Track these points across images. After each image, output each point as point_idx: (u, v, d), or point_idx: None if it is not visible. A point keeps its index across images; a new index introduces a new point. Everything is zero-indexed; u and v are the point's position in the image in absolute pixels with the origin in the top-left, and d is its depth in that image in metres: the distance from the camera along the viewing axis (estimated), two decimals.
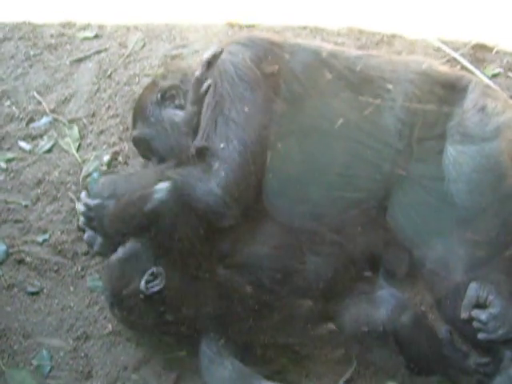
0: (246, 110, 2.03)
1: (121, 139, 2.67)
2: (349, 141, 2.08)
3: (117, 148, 2.64)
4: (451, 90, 2.15)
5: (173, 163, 2.15)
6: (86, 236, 2.29)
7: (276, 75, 2.09)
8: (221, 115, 2.04)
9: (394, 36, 3.11)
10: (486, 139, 2.04)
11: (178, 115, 2.23)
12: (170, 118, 2.25)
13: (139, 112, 2.35)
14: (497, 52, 3.07)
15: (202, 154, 2.06)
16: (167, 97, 2.28)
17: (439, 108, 2.10)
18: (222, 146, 2.00)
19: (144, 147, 2.36)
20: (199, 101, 2.14)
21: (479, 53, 3.03)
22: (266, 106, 2.06)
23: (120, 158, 2.62)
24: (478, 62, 2.99)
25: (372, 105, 2.09)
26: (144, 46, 3.02)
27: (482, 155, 2.02)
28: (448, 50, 3.02)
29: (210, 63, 2.11)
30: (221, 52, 2.11)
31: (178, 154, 2.17)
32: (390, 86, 2.11)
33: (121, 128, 2.71)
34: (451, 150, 2.06)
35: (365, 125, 2.08)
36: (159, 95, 2.29)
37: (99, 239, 2.24)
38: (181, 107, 2.24)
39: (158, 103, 2.29)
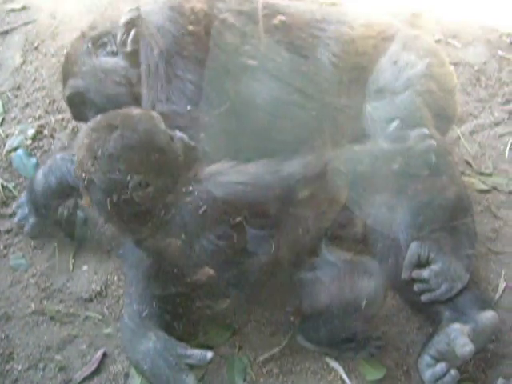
0: (198, 68, 1.98)
1: (47, 112, 2.57)
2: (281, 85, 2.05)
3: (42, 121, 2.52)
4: (381, 40, 2.12)
5: None
6: (17, 217, 2.17)
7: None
8: (173, 76, 1.97)
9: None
10: (397, 93, 2.01)
11: (112, 62, 2.15)
12: (104, 65, 2.17)
13: (70, 66, 2.24)
14: (436, 21, 3.04)
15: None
16: (98, 44, 2.19)
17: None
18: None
19: (79, 102, 2.25)
20: (131, 47, 2.08)
21: (417, 21, 2.99)
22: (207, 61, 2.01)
23: (46, 132, 2.50)
24: (419, 29, 2.95)
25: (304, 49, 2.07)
26: (73, 16, 2.90)
27: (393, 109, 1.98)
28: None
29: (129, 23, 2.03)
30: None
31: (115, 103, 2.03)
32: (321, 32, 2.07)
33: (47, 101, 2.61)
34: (367, 107, 2.03)
35: (298, 72, 2.06)
36: (90, 44, 2.19)
37: (32, 220, 2.13)
38: (113, 54, 2.17)
39: (89, 53, 2.19)
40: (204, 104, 1.98)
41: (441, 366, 1.87)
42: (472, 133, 2.62)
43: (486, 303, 1.98)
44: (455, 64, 2.82)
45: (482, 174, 2.47)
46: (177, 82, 1.99)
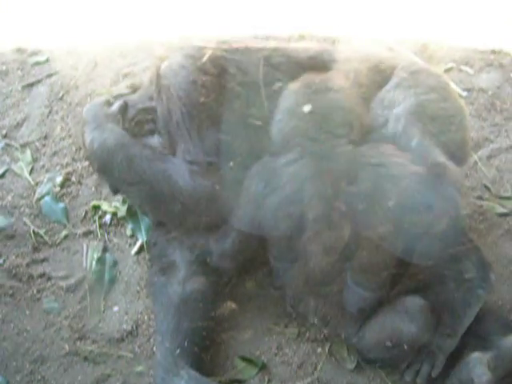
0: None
1: (74, 159, 2.65)
2: None
3: (70, 168, 2.61)
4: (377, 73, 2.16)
5: None
6: None
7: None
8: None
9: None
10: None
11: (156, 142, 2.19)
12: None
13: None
14: (448, 48, 3.09)
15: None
16: (135, 122, 2.22)
17: None
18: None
19: None
20: None
21: (430, 50, 3.05)
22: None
23: (73, 178, 2.59)
24: (430, 57, 3.01)
25: None
26: (95, 66, 3.01)
27: None
28: (402, 49, 3.03)
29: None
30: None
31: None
32: None
33: (73, 148, 2.69)
34: None
35: None
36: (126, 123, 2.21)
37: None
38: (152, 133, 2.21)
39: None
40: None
41: None
42: (489, 157, 2.64)
43: (509, 327, 1.99)
44: (469, 90, 2.87)
45: (501, 197, 2.49)
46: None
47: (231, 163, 1.99)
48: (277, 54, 2.13)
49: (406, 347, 1.93)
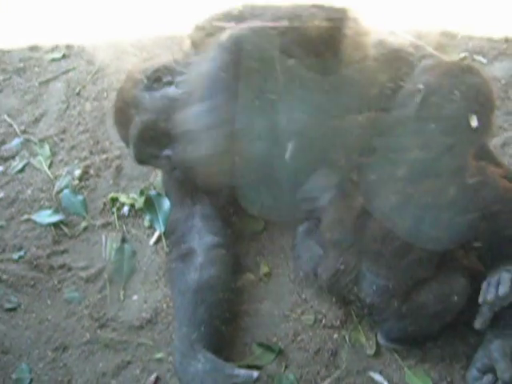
0: None
1: (91, 153, 2.69)
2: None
3: (88, 162, 2.66)
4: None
5: None
6: None
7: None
8: None
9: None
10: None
11: (172, 90, 2.18)
12: (168, 95, 2.18)
13: (128, 106, 2.23)
14: (461, 38, 3.10)
15: None
16: (154, 79, 2.21)
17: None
18: None
19: (150, 136, 2.18)
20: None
21: (443, 39, 3.06)
22: None
23: (91, 171, 2.63)
24: (443, 47, 3.01)
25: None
26: (111, 61, 3.05)
27: None
28: (413, 39, 3.05)
29: None
30: None
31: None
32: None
33: (91, 142, 2.73)
34: None
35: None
36: (145, 80, 2.21)
37: None
38: (170, 84, 2.20)
39: (147, 88, 2.21)
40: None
41: (487, 378, 1.91)
42: (503, 145, 2.65)
43: None
44: None
45: None
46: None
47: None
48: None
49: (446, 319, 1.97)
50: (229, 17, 2.23)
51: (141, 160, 2.28)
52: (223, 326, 2.09)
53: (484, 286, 1.92)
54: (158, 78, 2.22)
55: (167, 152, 2.18)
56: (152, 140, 2.19)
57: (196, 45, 2.26)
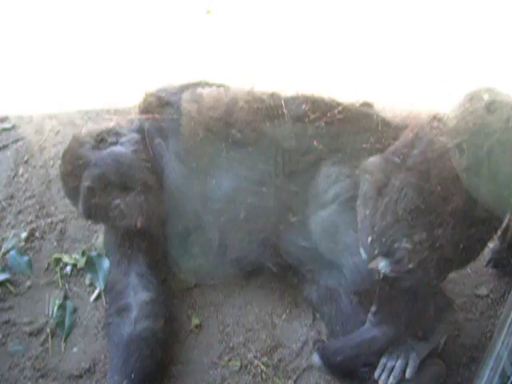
0: None
1: (37, 217, 2.90)
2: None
3: (33, 225, 2.86)
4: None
5: None
6: None
7: None
8: None
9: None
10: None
11: (118, 149, 2.42)
12: (113, 152, 2.41)
13: (75, 164, 2.41)
14: None
15: None
16: (99, 140, 2.44)
17: None
18: None
19: (99, 189, 2.37)
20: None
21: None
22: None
23: (37, 234, 2.84)
24: None
25: None
26: (58, 131, 3.29)
27: None
28: None
29: None
30: None
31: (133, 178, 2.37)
32: None
33: (37, 207, 2.94)
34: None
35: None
36: (91, 141, 2.44)
37: None
38: (115, 144, 2.44)
39: (92, 147, 2.43)
40: None
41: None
42: None
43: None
44: None
45: None
46: None
47: None
48: None
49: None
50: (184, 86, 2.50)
51: (89, 215, 2.45)
52: (155, 373, 2.29)
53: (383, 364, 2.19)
54: (103, 139, 2.46)
55: (116, 202, 2.38)
56: (102, 191, 2.39)
57: (145, 111, 2.50)
